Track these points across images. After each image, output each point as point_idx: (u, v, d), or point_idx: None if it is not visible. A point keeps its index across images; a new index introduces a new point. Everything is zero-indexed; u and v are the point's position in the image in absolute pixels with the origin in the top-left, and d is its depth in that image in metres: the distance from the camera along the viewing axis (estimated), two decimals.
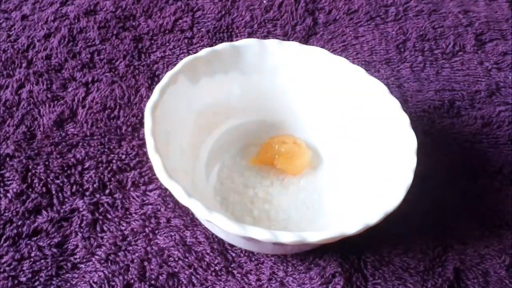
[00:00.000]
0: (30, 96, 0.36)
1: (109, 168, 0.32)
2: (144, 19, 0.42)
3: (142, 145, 0.34)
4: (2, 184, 0.31)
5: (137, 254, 0.29)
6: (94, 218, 0.30)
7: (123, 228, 0.30)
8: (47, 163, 0.32)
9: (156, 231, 0.30)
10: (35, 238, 0.29)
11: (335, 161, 0.32)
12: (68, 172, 0.32)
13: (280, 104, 0.33)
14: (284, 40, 0.30)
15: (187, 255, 0.29)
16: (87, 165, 0.32)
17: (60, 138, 0.34)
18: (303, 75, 0.32)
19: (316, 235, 0.23)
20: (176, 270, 0.28)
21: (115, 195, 0.31)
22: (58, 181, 0.31)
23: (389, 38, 0.42)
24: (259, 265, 0.29)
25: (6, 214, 0.30)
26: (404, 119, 0.28)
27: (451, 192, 0.33)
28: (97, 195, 0.31)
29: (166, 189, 0.31)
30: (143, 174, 0.32)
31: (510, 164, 0.34)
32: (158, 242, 0.29)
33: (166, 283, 0.28)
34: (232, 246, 0.29)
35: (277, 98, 0.33)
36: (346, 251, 0.29)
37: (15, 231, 0.29)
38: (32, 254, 0.28)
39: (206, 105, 0.31)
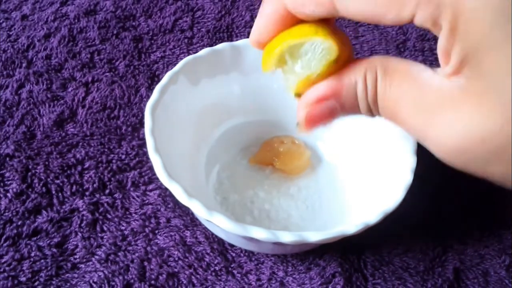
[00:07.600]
0: (30, 96, 0.36)
1: (109, 168, 0.32)
2: (144, 19, 0.42)
3: (142, 145, 0.34)
4: (2, 184, 0.31)
5: (137, 254, 0.29)
6: (94, 218, 0.30)
7: (123, 228, 0.30)
8: (47, 163, 0.32)
9: (156, 231, 0.30)
10: (35, 238, 0.29)
11: (334, 161, 0.32)
12: (68, 172, 0.32)
13: (280, 104, 0.33)
14: None
15: (187, 255, 0.29)
16: (87, 165, 0.32)
17: (60, 138, 0.34)
18: None
19: (316, 235, 0.23)
20: (176, 270, 0.28)
21: (115, 195, 0.31)
22: (58, 181, 0.31)
23: (389, 38, 0.42)
24: (259, 265, 0.29)
25: (6, 214, 0.30)
26: None
27: (451, 191, 0.33)
28: (97, 195, 0.31)
29: (166, 189, 0.31)
30: (143, 174, 0.32)
31: None
32: (158, 242, 0.29)
33: (166, 283, 0.28)
34: (232, 246, 0.29)
35: (277, 98, 0.33)
36: (346, 251, 0.29)
37: (15, 231, 0.29)
38: (32, 254, 0.28)
39: (206, 105, 0.31)
